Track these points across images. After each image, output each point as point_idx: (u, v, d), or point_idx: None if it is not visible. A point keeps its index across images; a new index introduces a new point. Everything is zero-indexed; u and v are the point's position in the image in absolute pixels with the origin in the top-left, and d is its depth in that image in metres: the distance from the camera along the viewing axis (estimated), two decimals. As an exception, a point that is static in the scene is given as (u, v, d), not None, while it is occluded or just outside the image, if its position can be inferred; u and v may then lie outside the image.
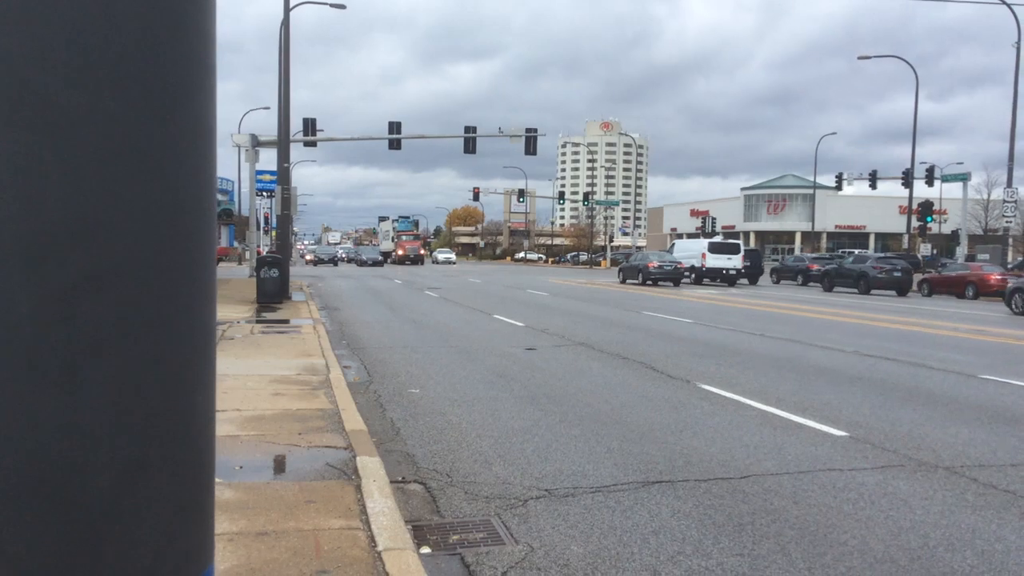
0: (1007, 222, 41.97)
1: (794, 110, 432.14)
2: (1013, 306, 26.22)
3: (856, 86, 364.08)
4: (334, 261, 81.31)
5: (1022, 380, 11.44)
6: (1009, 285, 27.56)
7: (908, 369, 12.36)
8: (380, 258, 76.08)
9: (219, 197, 60.82)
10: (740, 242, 46.57)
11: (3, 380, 0.85)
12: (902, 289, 35.49)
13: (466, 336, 16.40)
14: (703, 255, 42.25)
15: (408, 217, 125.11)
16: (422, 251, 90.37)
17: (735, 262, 41.95)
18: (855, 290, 36.14)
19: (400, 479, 6.33)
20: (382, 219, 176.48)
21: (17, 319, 0.85)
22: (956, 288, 34.31)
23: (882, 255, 43.37)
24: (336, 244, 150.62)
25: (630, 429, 8.14)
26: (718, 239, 49.55)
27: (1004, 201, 41.47)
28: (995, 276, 33.01)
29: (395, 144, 42.33)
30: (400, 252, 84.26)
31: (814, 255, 55.17)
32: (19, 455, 0.86)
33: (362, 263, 74.34)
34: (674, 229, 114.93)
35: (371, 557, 4.46)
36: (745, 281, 40.28)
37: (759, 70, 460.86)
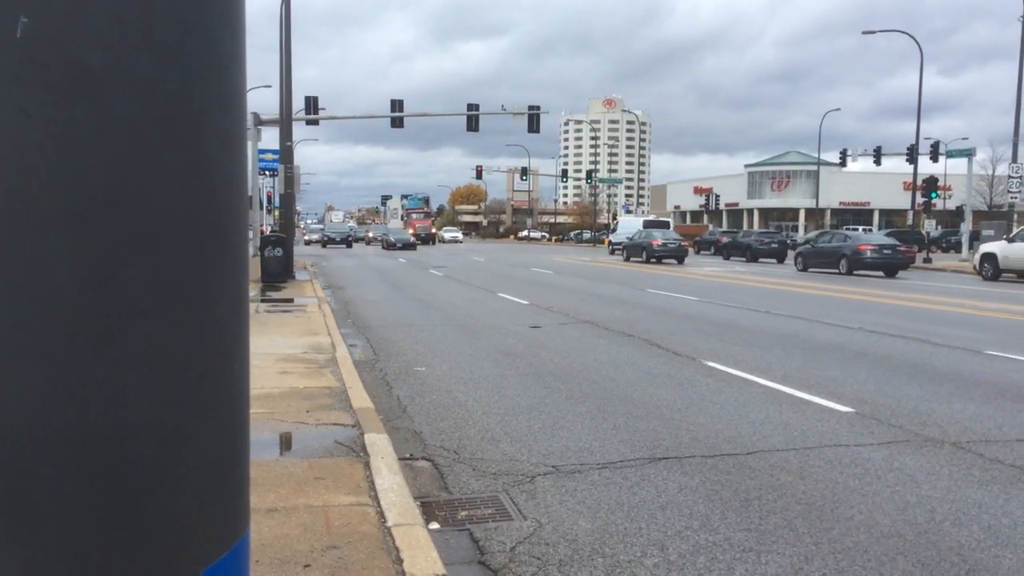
0: (1012, 197, 41.76)
1: (803, 87, 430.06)
2: (841, 267, 32.63)
3: (867, 62, 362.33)
4: (347, 242, 67.07)
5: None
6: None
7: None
8: (411, 240, 63.88)
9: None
10: (670, 220, 66.59)
11: (44, 346, 0.86)
12: (780, 257, 42.35)
13: (471, 314, 16.41)
14: (640, 231, 50.81)
15: (412, 195, 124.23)
16: (433, 230, 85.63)
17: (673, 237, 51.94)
18: (743, 258, 42.18)
19: (408, 456, 6.36)
20: (385, 198, 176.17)
21: (57, 284, 0.85)
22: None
23: (763, 231, 53.84)
24: (339, 223, 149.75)
25: (636, 406, 8.16)
26: (651, 218, 62.45)
27: (1009, 176, 41.25)
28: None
29: (397, 122, 42.17)
30: (410, 231, 74.99)
31: (722, 230, 65.39)
32: (60, 422, 0.87)
33: (390, 245, 61.13)
34: (677, 207, 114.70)
35: (381, 533, 4.49)
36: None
37: (769, 47, 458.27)
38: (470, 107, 43.18)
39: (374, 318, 15.73)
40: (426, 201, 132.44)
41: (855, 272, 32.14)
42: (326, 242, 65.55)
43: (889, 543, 4.67)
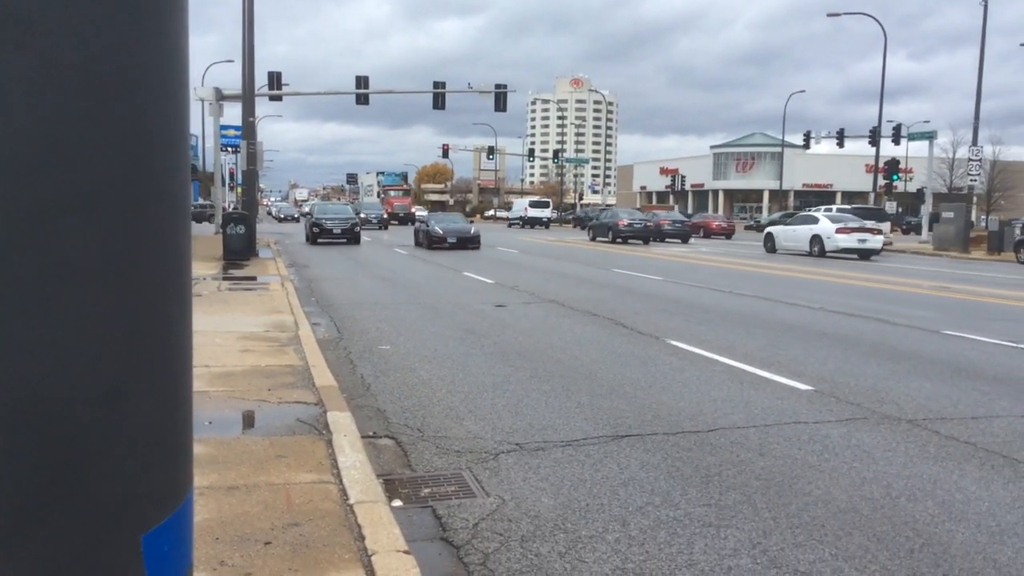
0: (971, 180, 42.48)
1: (774, 69, 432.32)
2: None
3: (838, 46, 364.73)
4: (352, 236, 35.50)
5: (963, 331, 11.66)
6: None
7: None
8: (385, 217, 58.76)
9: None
10: (550, 200, 77.68)
11: None
12: (646, 238, 42.48)
13: (436, 293, 16.37)
14: (526, 209, 68.86)
15: (389, 172, 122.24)
16: (413, 208, 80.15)
17: (547, 213, 68.84)
18: (607, 238, 42.39)
19: (371, 434, 6.34)
20: (351, 176, 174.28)
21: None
22: (694, 231, 49.10)
23: (631, 210, 56.35)
24: (304, 201, 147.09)
25: (600, 384, 8.20)
26: (536, 199, 76.70)
27: (969, 160, 41.93)
28: (717, 223, 47.97)
29: (362, 99, 41.78)
30: (387, 210, 69.55)
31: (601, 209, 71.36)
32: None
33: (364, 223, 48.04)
34: (643, 187, 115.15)
35: (343, 510, 4.47)
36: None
37: (743, 29, 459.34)
38: (436, 85, 42.90)
39: (338, 297, 15.63)
40: (404, 178, 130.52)
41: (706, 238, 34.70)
42: (317, 235, 35.17)
43: (846, 518, 4.75)
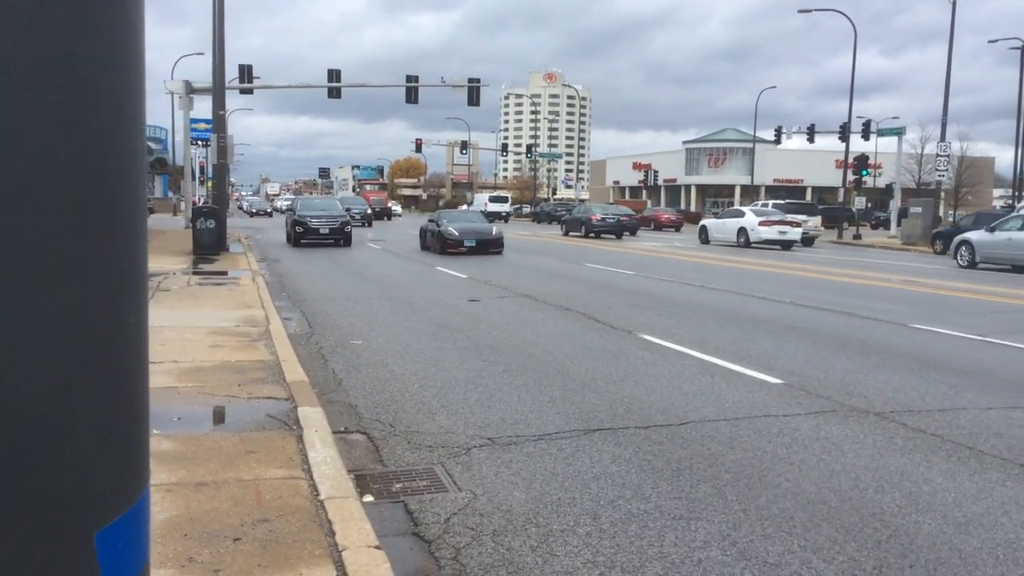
0: (939, 176, 42.99)
1: (748, 65, 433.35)
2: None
3: (811, 42, 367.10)
4: (342, 236, 30.68)
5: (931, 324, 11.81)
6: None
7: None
8: (369, 213, 54.87)
9: (151, 145, 57.67)
10: (508, 195, 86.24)
11: None
12: (619, 232, 42.56)
13: (409, 287, 16.32)
14: (486, 204, 72.34)
15: (365, 166, 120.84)
16: (390, 203, 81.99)
17: (505, 208, 75.43)
18: (579, 233, 42.33)
19: (343, 429, 6.31)
20: (323, 170, 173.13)
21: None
22: (645, 224, 52.46)
23: (604, 204, 57.77)
24: (275, 195, 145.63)
25: (572, 379, 8.21)
26: (495, 194, 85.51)
27: (937, 155, 42.42)
28: (666, 216, 50.39)
29: (334, 92, 41.49)
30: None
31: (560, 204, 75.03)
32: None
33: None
34: (616, 182, 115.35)
35: (313, 506, 4.45)
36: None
37: (719, 25, 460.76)
38: (409, 79, 42.70)
39: (310, 291, 15.53)
40: (380, 171, 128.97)
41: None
42: (300, 235, 30.02)
43: (814, 510, 4.79)
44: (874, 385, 8.10)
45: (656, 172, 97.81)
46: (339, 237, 30.10)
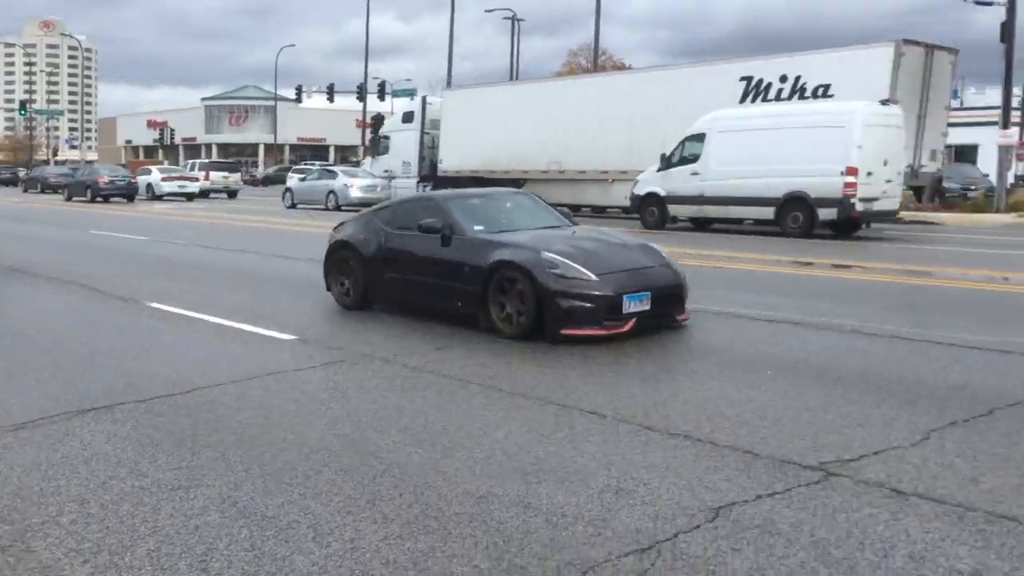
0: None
1: (273, 23, 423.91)
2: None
3: (337, 3, 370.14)
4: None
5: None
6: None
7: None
8: None
9: None
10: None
11: None
12: (131, 196, 41.53)
13: None
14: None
15: None
16: None
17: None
18: (85, 197, 40.49)
19: None
20: None
21: None
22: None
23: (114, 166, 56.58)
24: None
25: (67, 357, 7.47)
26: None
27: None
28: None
29: None
30: None
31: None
32: None
33: None
34: (129, 141, 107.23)
35: None
36: None
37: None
38: None
39: None
40: None
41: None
42: None
43: (317, 457, 4.92)
44: (383, 332, 8.55)
45: (173, 131, 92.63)
46: None
